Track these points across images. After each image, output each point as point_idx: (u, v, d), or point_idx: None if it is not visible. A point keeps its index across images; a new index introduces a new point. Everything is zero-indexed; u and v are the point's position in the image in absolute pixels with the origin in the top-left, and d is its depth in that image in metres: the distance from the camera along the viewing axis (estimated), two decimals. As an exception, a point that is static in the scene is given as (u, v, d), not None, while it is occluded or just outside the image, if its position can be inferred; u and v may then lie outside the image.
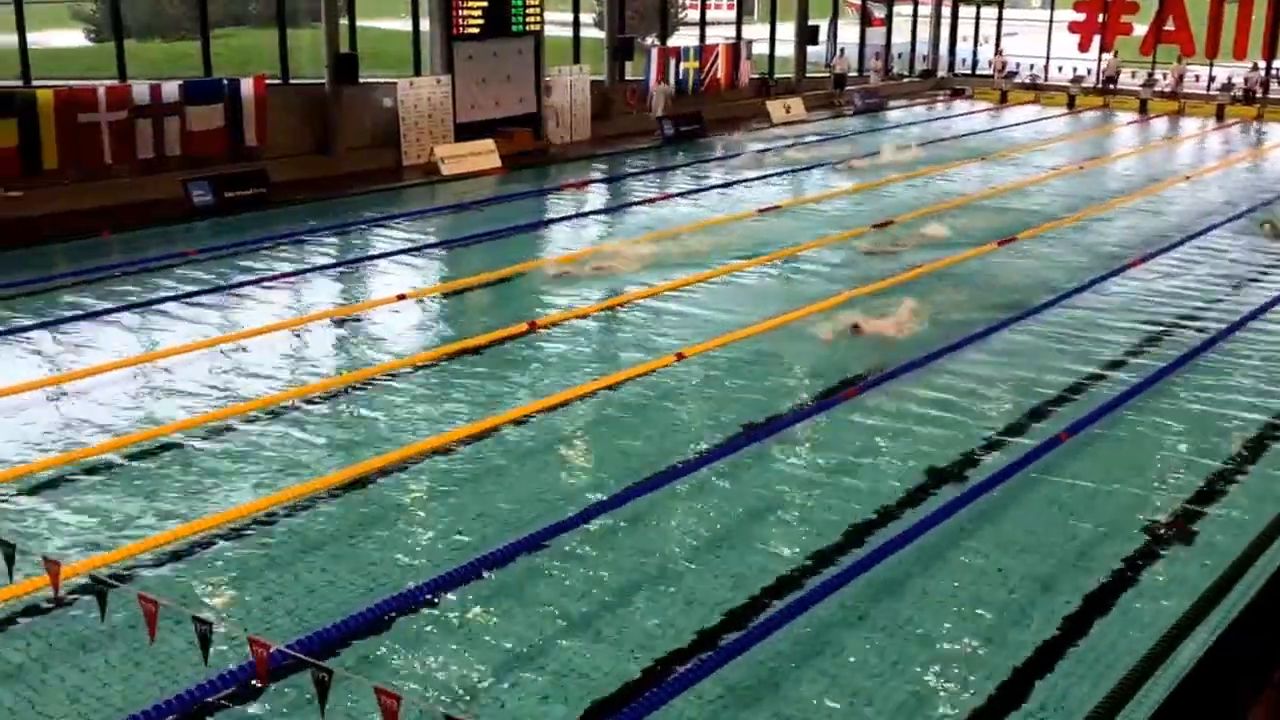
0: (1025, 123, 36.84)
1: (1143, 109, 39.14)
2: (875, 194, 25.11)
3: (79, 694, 7.59)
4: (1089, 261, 19.22)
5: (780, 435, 11.93)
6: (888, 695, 7.73)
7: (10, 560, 7.37)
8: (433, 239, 20.94)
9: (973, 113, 39.16)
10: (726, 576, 9.18)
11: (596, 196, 25.79)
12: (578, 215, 23.25)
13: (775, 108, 36.09)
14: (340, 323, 15.99)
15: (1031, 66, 43.44)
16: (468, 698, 7.61)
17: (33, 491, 10.47)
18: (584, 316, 16.03)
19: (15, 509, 10.15)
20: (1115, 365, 14.29)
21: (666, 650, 8.14)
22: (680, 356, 14.16)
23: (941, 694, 7.78)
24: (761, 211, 23.07)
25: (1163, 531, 10.08)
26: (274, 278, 17.83)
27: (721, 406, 12.77)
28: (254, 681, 7.35)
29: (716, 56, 36.05)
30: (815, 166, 27.98)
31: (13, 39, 22.74)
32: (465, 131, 28.02)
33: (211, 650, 6.43)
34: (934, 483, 10.91)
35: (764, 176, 26.92)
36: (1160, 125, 37.45)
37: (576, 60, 32.17)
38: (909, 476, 11.02)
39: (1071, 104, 40.24)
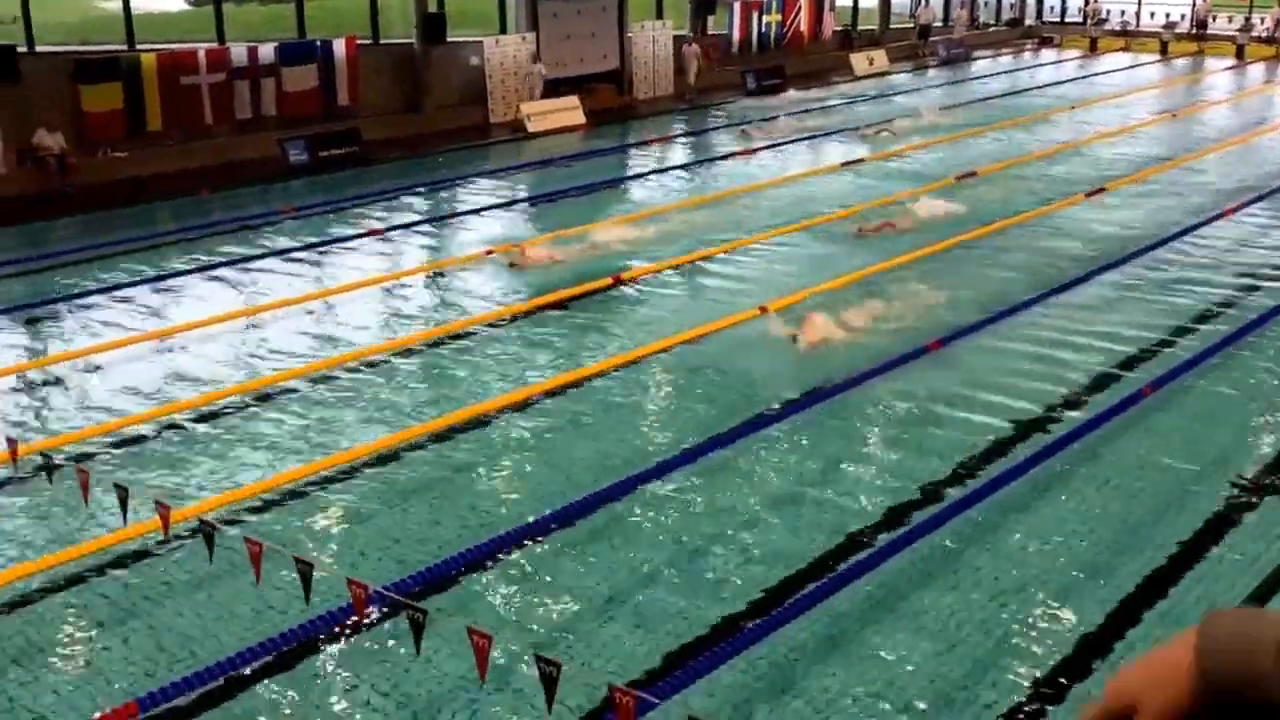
0: (1116, 70, 36.15)
1: (1239, 54, 38.15)
2: (959, 145, 24.89)
3: (189, 630, 8.02)
4: (1182, 210, 18.94)
5: (864, 386, 12.04)
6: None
7: (124, 503, 7.85)
8: (520, 194, 21.27)
9: (1061, 61, 38.51)
10: (806, 528, 9.36)
11: (678, 152, 25.91)
12: (660, 171, 23.42)
13: (858, 60, 35.79)
14: (431, 277, 16.42)
15: (1123, 13, 42.48)
16: (566, 635, 7.91)
17: (143, 440, 10.98)
18: (667, 270, 16.22)
19: (127, 455, 10.66)
20: (1204, 317, 14.14)
21: (748, 599, 8.30)
22: (764, 310, 14.30)
23: (1025, 649, 7.91)
24: (844, 165, 23.05)
25: (1250, 484, 10.05)
26: (367, 234, 18.30)
27: (803, 359, 12.87)
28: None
29: (799, 9, 35.83)
30: (897, 119, 27.71)
31: (118, 5, 23.43)
32: (550, 89, 28.26)
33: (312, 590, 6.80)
34: (1015, 438, 10.94)
35: (845, 130, 26.83)
36: (1256, 71, 36.50)
37: (659, 16, 32.20)
38: (987, 430, 11.05)
39: (1164, 51, 39.35)
